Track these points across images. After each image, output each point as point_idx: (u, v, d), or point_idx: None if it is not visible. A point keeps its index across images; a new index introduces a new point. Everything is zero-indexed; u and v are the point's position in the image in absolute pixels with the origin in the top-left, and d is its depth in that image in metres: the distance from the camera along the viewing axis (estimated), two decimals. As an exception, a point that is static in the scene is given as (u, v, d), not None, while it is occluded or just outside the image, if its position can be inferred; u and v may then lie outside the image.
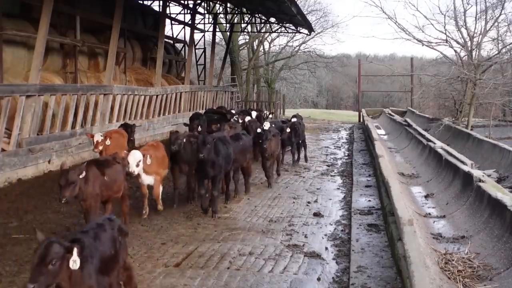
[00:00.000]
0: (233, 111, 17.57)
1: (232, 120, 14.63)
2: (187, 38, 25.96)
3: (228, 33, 31.85)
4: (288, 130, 12.92)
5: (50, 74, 14.48)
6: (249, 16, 29.77)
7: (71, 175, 5.98)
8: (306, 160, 14.49)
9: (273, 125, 13.04)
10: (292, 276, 5.83)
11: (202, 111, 19.48)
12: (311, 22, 30.54)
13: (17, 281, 5.63)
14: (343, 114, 44.55)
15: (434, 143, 12.40)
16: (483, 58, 19.49)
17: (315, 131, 25.20)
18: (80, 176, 6.12)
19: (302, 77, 49.16)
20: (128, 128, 11.76)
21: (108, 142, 9.68)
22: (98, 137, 9.63)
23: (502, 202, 6.21)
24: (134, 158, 7.66)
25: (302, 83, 50.60)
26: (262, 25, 32.63)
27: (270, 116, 18.79)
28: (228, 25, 30.77)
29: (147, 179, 8.10)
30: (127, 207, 7.46)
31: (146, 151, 8.03)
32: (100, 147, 9.58)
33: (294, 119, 14.84)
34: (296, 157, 14.13)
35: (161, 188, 8.59)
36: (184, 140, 8.72)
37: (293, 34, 35.48)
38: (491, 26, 19.02)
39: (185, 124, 13.07)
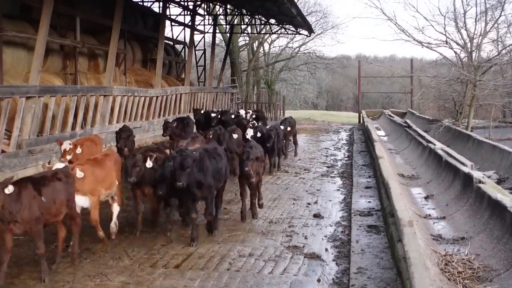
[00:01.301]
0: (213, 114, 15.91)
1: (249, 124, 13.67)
2: (187, 40, 25.99)
3: (228, 35, 31.91)
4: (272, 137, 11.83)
5: (50, 76, 14.48)
6: (249, 17, 29.78)
7: None
8: (278, 167, 13.04)
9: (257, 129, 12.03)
10: (292, 278, 5.84)
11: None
12: (311, 23, 30.57)
13: (17, 282, 5.64)
14: (343, 116, 44.53)
15: (434, 144, 12.40)
16: (483, 59, 19.52)
17: (315, 132, 25.18)
18: (6, 191, 5.16)
19: (302, 79, 49.20)
20: (119, 134, 10.85)
21: (78, 150, 8.66)
22: (66, 146, 8.61)
23: (502, 203, 6.21)
24: None
25: (302, 85, 50.61)
26: (262, 26, 32.70)
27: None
28: (228, 26, 30.83)
29: (79, 200, 6.48)
30: (77, 228, 6.30)
31: (80, 164, 6.75)
32: (68, 157, 8.43)
33: (281, 126, 13.84)
34: (276, 163, 12.94)
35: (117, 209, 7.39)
36: (146, 164, 7.17)
37: (293, 35, 35.52)
38: (491, 28, 19.09)
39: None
